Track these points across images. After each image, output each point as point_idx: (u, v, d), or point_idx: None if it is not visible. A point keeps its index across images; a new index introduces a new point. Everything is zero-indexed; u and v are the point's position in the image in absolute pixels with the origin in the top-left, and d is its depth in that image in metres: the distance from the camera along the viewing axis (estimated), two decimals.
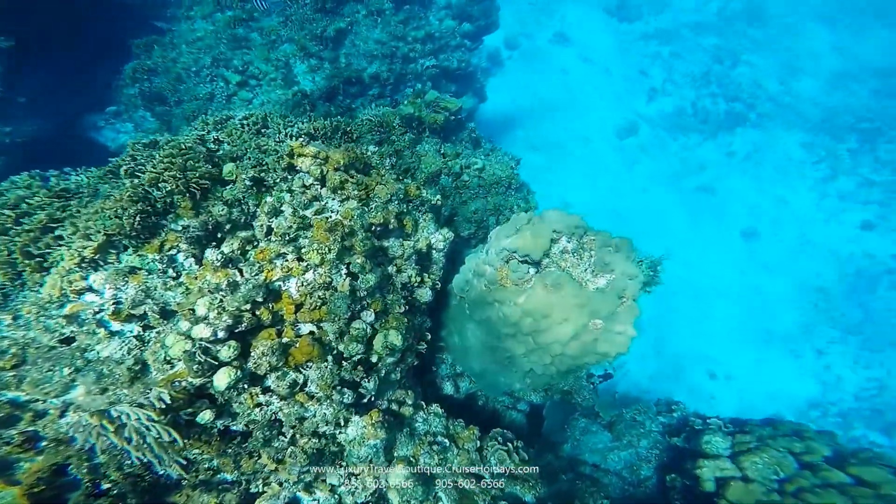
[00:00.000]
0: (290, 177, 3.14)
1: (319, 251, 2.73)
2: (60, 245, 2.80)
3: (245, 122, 3.89)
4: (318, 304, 2.72)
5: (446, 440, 3.02)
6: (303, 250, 2.77)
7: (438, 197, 3.73)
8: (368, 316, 2.92)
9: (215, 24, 8.09)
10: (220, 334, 2.41)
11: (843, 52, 13.10)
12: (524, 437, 3.38)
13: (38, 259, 2.82)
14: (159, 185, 2.76)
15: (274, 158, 3.17)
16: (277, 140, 3.92)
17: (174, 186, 2.77)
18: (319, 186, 3.14)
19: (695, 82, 12.85)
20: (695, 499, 3.66)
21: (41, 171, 3.69)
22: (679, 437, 4.21)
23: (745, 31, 13.55)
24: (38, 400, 2.32)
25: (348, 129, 4.01)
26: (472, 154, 5.49)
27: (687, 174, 11.48)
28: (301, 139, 3.49)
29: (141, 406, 2.14)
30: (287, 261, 2.74)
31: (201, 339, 2.39)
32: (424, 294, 3.42)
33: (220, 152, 3.39)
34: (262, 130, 3.93)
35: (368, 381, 2.77)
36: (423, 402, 3.22)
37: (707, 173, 11.52)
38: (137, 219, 2.60)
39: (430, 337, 3.50)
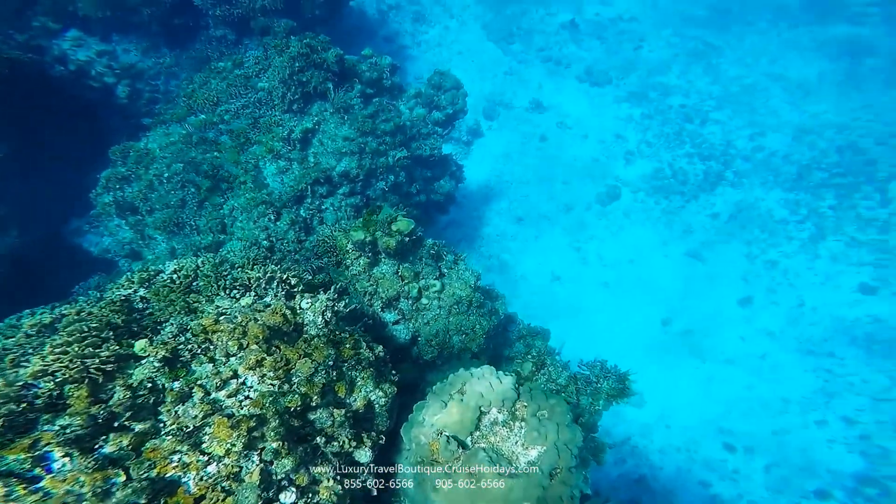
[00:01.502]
0: (208, 348, 2.88)
1: (222, 445, 2.42)
2: None
3: (176, 275, 3.69)
4: (222, 497, 2.38)
5: None
6: (203, 445, 2.46)
7: (380, 349, 3.45)
8: (289, 497, 2.57)
9: (188, 128, 8.22)
10: None
11: (800, 109, 13.44)
12: None
13: None
14: (46, 377, 2.49)
15: (190, 333, 2.92)
16: (209, 296, 3.70)
17: (66, 376, 2.50)
18: (237, 363, 2.86)
19: (669, 143, 13.04)
20: None
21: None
22: None
23: (708, 92, 13.97)
24: None
25: (285, 277, 3.80)
26: (433, 270, 5.27)
27: (673, 239, 11.34)
28: (223, 307, 3.27)
29: None
30: (185, 455, 2.42)
31: None
32: (363, 455, 3.07)
33: (146, 314, 3.16)
34: (195, 284, 3.72)
35: None
36: None
37: (694, 237, 11.37)
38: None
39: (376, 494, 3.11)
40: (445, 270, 5.64)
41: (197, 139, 7.93)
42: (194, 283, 3.95)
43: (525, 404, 2.61)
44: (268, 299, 3.99)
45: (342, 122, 7.42)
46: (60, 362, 2.49)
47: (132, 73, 9.89)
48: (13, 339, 3.01)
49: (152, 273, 3.96)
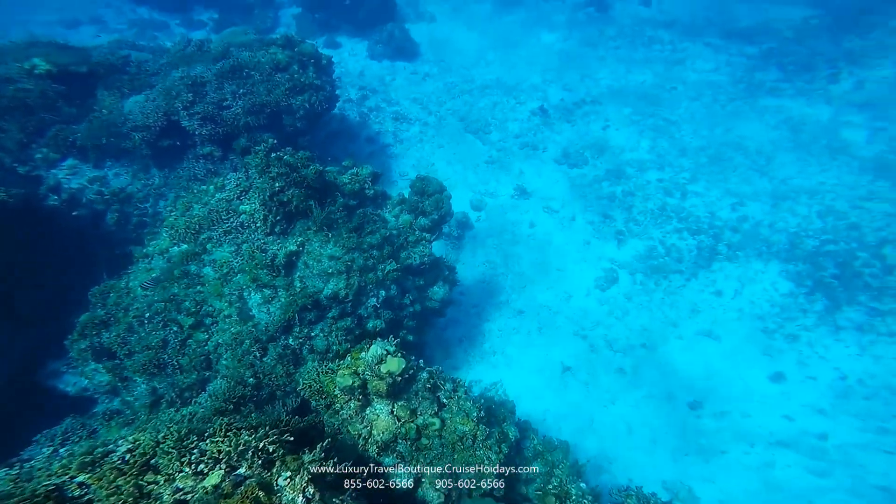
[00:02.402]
0: None
1: None
2: None
3: (129, 455, 3.10)
4: None
5: None
6: None
7: None
8: None
9: (170, 261, 7.98)
10: None
11: (769, 176, 13.92)
12: None
13: None
14: None
15: None
16: (168, 476, 3.08)
17: None
18: None
19: (655, 219, 13.14)
20: None
21: None
22: None
23: (679, 164, 14.45)
24: None
25: (261, 446, 3.22)
26: (431, 404, 4.69)
27: (681, 321, 10.86)
28: (184, 489, 2.66)
29: None
30: None
31: None
32: None
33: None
34: (153, 462, 3.12)
35: None
36: None
37: (703, 317, 10.91)
38: None
39: None
40: (445, 401, 5.05)
41: (179, 273, 7.66)
42: (153, 461, 3.34)
43: None
44: (241, 470, 3.38)
45: (326, 241, 7.24)
46: None
47: (121, 197, 10.00)
48: None
49: (98, 456, 3.35)
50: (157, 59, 10.67)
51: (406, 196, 8.45)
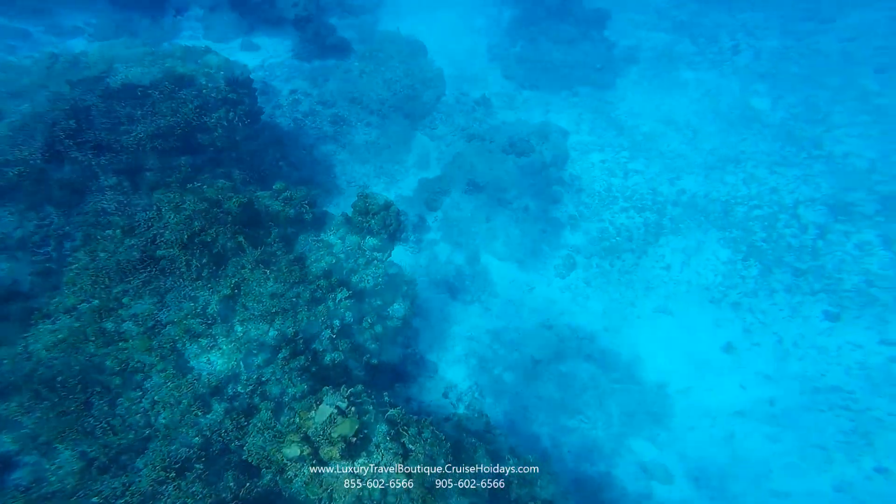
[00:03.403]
0: None
1: None
2: None
3: None
4: None
5: None
6: None
7: None
8: None
9: (80, 319, 6.85)
10: None
11: (698, 149, 14.57)
12: None
13: None
14: None
15: None
16: None
17: None
18: None
19: (602, 200, 13.29)
20: None
21: None
22: None
23: (619, 143, 14.73)
24: None
25: None
26: (396, 456, 4.24)
27: (637, 299, 11.09)
28: None
29: None
30: None
31: None
32: None
33: None
34: None
35: None
36: None
37: (656, 293, 11.21)
38: None
39: None
40: (411, 446, 4.61)
41: (93, 332, 6.58)
42: None
43: None
44: None
45: (266, 278, 6.47)
46: None
47: (7, 243, 8.47)
48: None
49: None
50: (18, 79, 9.06)
51: (350, 216, 7.79)
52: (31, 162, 8.10)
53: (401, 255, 11.95)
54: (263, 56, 16.33)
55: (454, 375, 10.00)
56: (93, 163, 8.45)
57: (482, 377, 10.00)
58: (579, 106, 15.84)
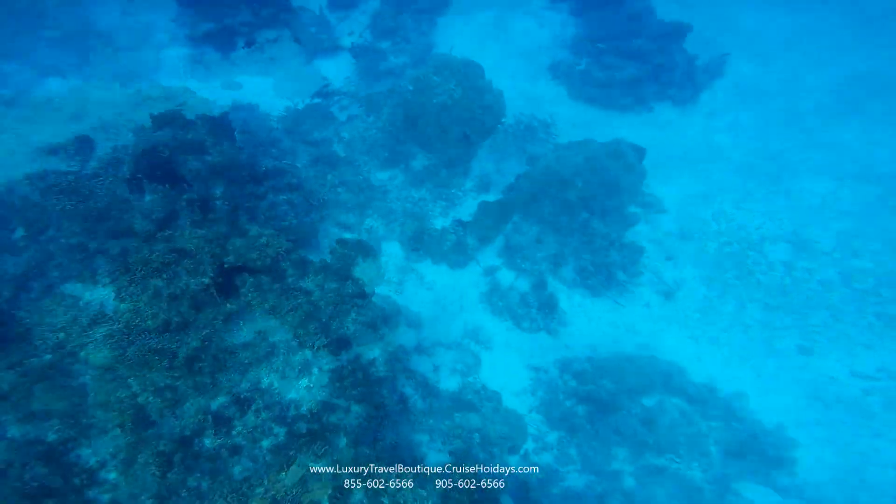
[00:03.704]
0: None
1: None
2: None
3: None
4: None
5: None
6: None
7: None
8: None
9: (26, 375, 6.40)
10: None
11: (676, 186, 14.88)
12: None
13: None
14: None
15: None
16: None
17: None
18: None
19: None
20: None
21: None
22: None
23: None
24: None
25: None
26: None
27: (623, 340, 11.14)
28: None
29: None
30: None
31: None
32: None
33: None
34: None
35: None
36: None
37: (640, 337, 11.29)
38: None
39: None
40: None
41: (41, 389, 6.13)
42: None
43: None
44: None
45: (239, 329, 6.22)
46: None
47: None
48: None
49: None
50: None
51: (328, 262, 7.62)
52: None
53: (461, 281, 11.68)
54: (247, 94, 16.09)
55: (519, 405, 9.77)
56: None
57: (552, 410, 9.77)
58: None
